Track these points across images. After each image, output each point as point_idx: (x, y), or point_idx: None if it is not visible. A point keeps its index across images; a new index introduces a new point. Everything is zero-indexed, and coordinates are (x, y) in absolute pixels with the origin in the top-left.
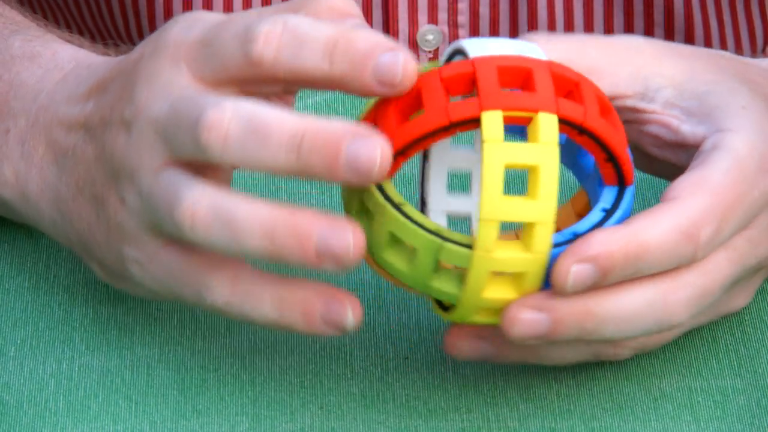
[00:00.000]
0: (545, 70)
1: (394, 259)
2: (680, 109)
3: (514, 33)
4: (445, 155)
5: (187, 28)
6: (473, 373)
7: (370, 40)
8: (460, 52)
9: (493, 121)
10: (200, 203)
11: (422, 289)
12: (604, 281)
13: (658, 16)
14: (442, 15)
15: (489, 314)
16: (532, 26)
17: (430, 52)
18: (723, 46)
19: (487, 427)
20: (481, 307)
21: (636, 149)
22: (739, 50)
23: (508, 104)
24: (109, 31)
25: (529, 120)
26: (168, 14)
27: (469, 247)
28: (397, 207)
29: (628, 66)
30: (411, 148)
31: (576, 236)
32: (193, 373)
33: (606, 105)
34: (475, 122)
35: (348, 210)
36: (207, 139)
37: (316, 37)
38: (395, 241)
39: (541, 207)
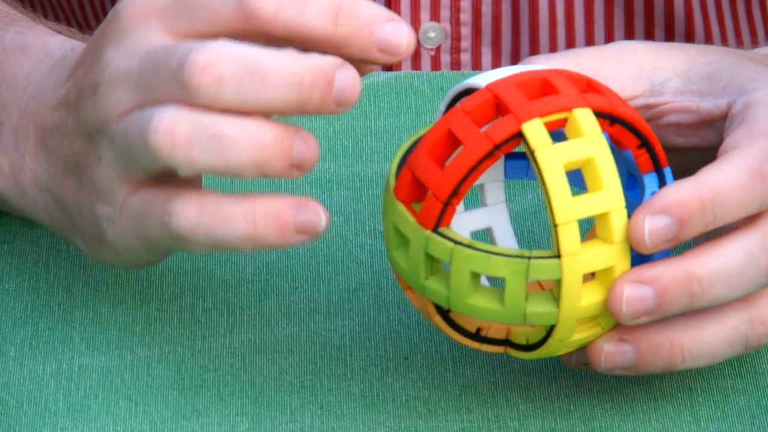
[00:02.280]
0: (559, 75)
1: (482, 301)
2: (692, 93)
3: (516, 31)
4: None
5: None
6: (473, 374)
7: (374, 8)
8: (466, 91)
9: (535, 129)
10: (180, 122)
11: (517, 320)
12: (684, 233)
13: (659, 17)
14: (445, 12)
15: (586, 327)
16: (534, 24)
17: (432, 49)
18: (724, 46)
19: (487, 427)
20: (580, 318)
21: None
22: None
23: (542, 111)
24: (99, 18)
25: (564, 121)
26: None
27: (556, 257)
28: (469, 246)
29: (628, 68)
30: (462, 186)
31: None
32: (193, 373)
33: (621, 98)
34: (515, 139)
35: (406, 271)
36: (199, 82)
37: (318, 1)
38: (476, 284)
39: (609, 195)
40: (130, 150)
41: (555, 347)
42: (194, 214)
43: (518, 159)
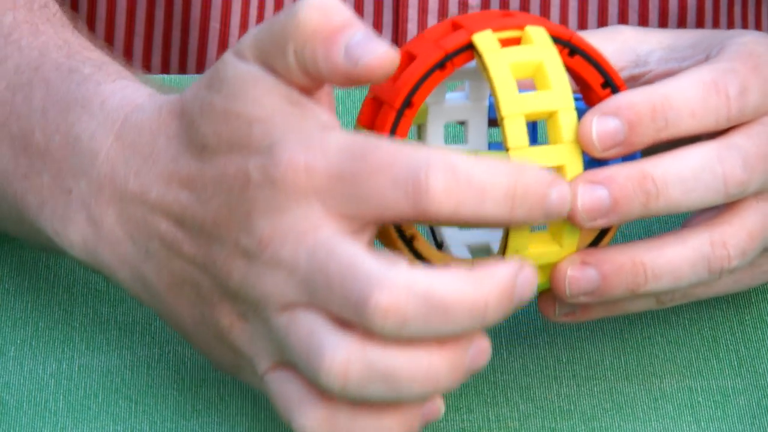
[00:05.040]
0: (524, 13)
1: None
2: (675, 60)
3: None
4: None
5: (304, 151)
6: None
7: (540, 179)
8: None
9: (486, 39)
10: (354, 362)
11: None
12: (634, 137)
13: (672, 24)
14: None
15: (543, 241)
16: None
17: None
18: None
19: (488, 427)
20: (532, 227)
21: None
22: None
23: (495, 25)
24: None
25: (518, 40)
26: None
27: (504, 150)
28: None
29: (613, 43)
30: (414, 95)
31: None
32: (192, 373)
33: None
34: (467, 51)
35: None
36: (383, 325)
37: (495, 187)
38: None
39: (557, 95)
40: (291, 356)
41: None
42: (320, 427)
43: (501, 145)
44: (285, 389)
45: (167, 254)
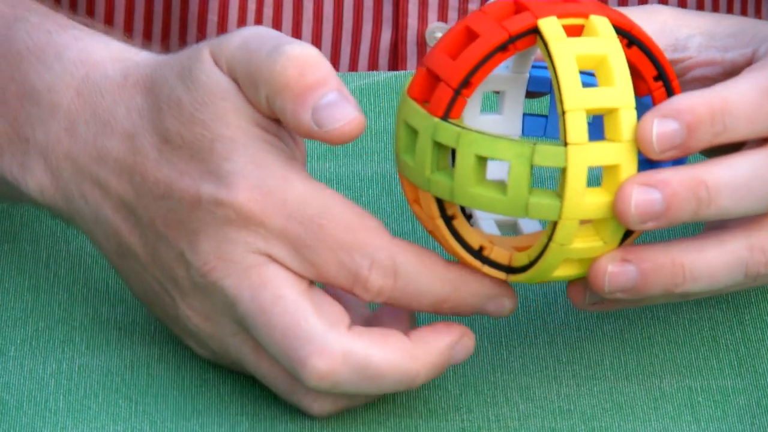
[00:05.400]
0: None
1: (486, 190)
2: (716, 48)
3: None
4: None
5: (262, 197)
6: (473, 373)
7: (480, 294)
8: None
9: (551, 25)
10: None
11: (519, 212)
12: (692, 141)
13: None
14: (453, 14)
15: (588, 236)
16: None
17: None
18: None
19: (487, 426)
20: (583, 219)
21: None
22: None
23: (559, 12)
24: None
25: (581, 27)
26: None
27: (563, 145)
28: (476, 132)
29: (651, 23)
30: (474, 76)
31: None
32: (193, 373)
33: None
34: (531, 35)
35: (413, 169)
36: (316, 384)
37: (429, 296)
38: (481, 173)
39: (620, 92)
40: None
41: (556, 254)
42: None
43: (536, 116)
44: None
45: (115, 232)
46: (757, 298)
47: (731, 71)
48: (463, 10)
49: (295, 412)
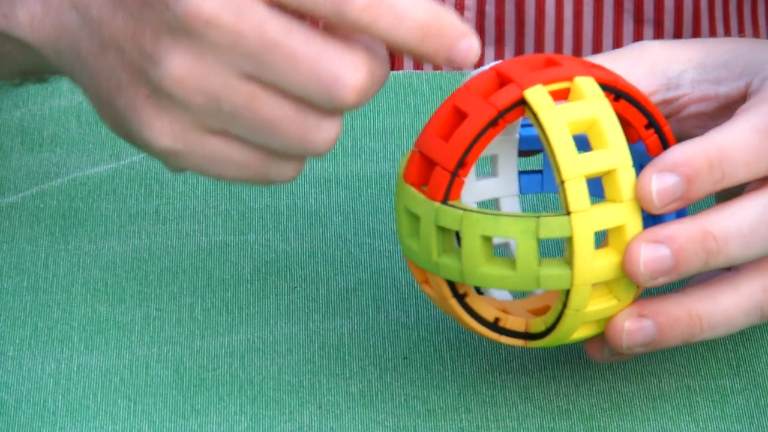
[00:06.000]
0: (563, 55)
1: (495, 268)
2: (709, 82)
3: (520, 32)
4: None
5: None
6: (472, 373)
7: (456, 27)
8: None
9: (539, 95)
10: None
11: (531, 285)
12: (692, 192)
13: (668, 21)
14: None
15: (601, 297)
16: (540, 25)
17: None
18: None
19: (486, 426)
20: (594, 283)
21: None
22: None
23: (544, 79)
24: None
25: (567, 91)
26: None
27: (566, 214)
28: (478, 212)
29: (641, 65)
30: (468, 155)
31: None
32: (191, 373)
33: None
34: (519, 107)
35: (419, 253)
36: (356, 99)
37: (413, 17)
38: (488, 252)
39: (615, 153)
40: (243, 129)
41: (572, 320)
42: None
43: (532, 173)
44: None
45: (100, 20)
46: None
47: (726, 105)
48: (458, 8)
49: (294, 411)
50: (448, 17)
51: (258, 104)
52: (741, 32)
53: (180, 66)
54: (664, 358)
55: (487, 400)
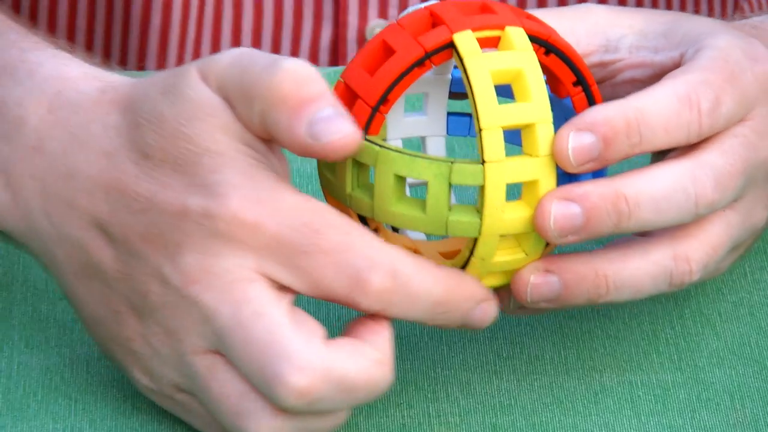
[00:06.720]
0: (501, 3)
1: (405, 208)
2: (647, 49)
3: None
4: None
5: (254, 206)
6: (413, 369)
7: (472, 296)
8: None
9: (466, 40)
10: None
11: (439, 230)
12: (608, 153)
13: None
14: (393, 11)
15: (509, 248)
16: None
17: None
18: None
19: (428, 422)
20: (503, 234)
21: None
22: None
23: (475, 25)
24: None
25: (497, 40)
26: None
27: (480, 163)
28: (395, 150)
29: (583, 24)
30: (391, 92)
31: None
32: None
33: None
34: (446, 50)
35: (335, 184)
36: (294, 402)
37: (428, 299)
38: (401, 191)
39: (536, 107)
40: (206, 401)
41: (478, 268)
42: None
43: (461, 115)
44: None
45: (82, 250)
46: (696, 293)
47: (660, 74)
48: (402, 7)
49: None
50: (464, 287)
51: (214, 374)
52: (683, 8)
53: (155, 324)
54: (606, 352)
55: (429, 395)
